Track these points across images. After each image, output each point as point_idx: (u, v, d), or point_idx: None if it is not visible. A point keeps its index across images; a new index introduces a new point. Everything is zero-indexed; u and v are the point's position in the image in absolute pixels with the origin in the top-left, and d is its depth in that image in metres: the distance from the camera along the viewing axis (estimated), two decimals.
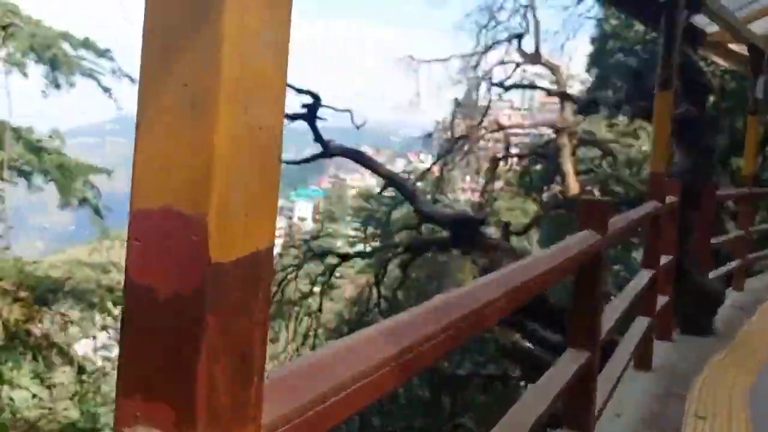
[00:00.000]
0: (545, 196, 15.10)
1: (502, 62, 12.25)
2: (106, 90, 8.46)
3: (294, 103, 6.59)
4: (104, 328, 8.22)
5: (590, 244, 2.63)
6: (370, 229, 17.07)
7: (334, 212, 48.38)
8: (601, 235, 2.71)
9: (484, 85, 12.19)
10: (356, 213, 30.56)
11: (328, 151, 6.23)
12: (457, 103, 12.19)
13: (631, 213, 3.90)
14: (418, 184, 12.61)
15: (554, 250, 2.58)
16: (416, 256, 8.20)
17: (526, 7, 12.08)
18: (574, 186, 11.75)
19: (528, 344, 6.33)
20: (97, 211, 9.42)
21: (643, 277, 4.57)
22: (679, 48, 4.87)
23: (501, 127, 11.87)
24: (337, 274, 11.00)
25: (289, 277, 8.85)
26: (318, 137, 6.03)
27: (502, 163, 13.55)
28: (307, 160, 6.48)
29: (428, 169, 12.69)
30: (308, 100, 6.36)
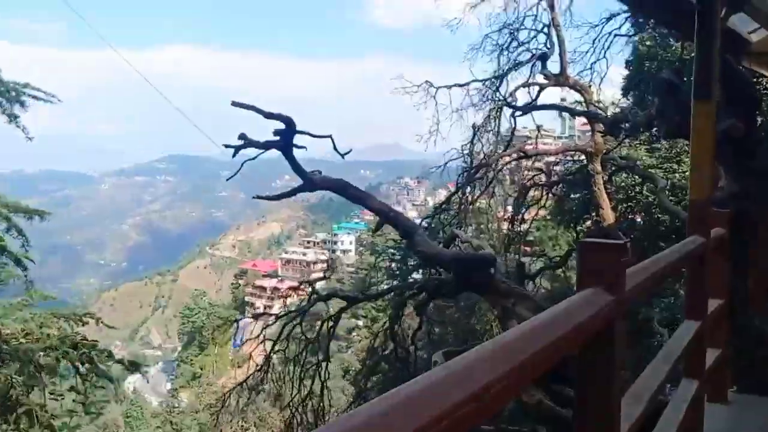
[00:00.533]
0: (584, 225, 14.12)
1: (525, 85, 11.48)
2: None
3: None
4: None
5: (596, 310, 1.81)
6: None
7: (377, 245, 47.49)
8: (612, 294, 1.88)
9: (506, 111, 11.46)
10: (395, 247, 29.89)
11: (309, 184, 5.53)
12: (477, 130, 11.41)
13: (662, 257, 2.98)
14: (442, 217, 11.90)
15: (545, 318, 1.76)
16: (432, 298, 7.43)
17: (549, 26, 11.34)
18: (609, 215, 10.80)
19: (554, 404, 5.44)
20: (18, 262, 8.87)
21: (688, 329, 3.68)
22: (719, 53, 4.02)
23: (525, 154, 11.02)
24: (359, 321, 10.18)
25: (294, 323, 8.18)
26: (296, 168, 5.33)
27: (536, 192, 12.69)
28: (284, 195, 5.75)
29: (447, 201, 11.88)
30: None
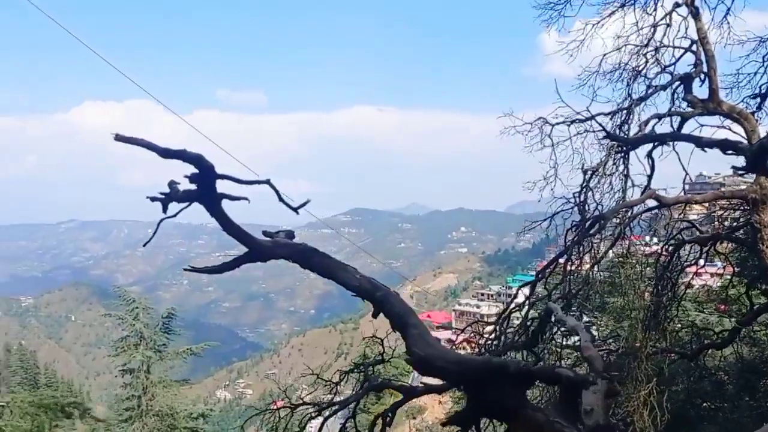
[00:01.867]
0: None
1: (658, 116, 8.84)
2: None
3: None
4: None
5: None
6: None
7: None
8: None
9: (640, 149, 8.86)
10: None
11: (257, 253, 3.99)
12: (592, 174, 8.93)
13: None
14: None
15: None
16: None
17: (695, 42, 8.70)
18: None
19: None
20: None
21: None
22: None
23: (661, 203, 8.29)
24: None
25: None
26: (229, 229, 3.71)
27: (688, 251, 9.84)
28: (221, 269, 3.98)
29: (551, 263, 9.32)
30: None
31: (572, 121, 9.29)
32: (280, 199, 3.93)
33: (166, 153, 3.55)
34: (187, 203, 3.78)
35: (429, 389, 7.11)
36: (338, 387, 7.86)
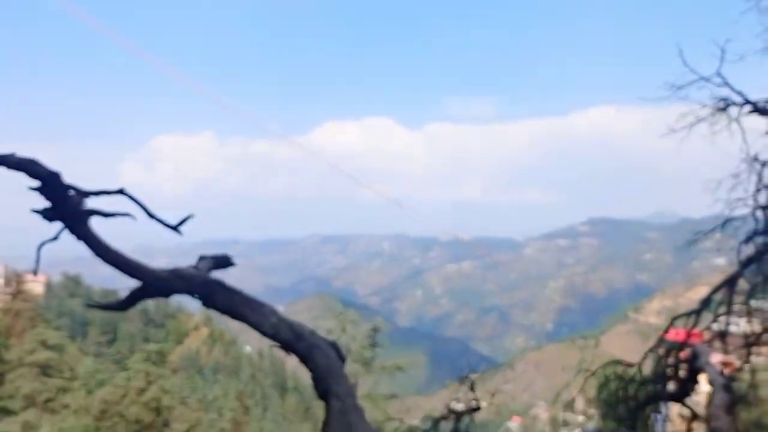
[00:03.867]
0: None
1: None
2: None
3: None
4: None
5: None
6: None
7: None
8: None
9: None
10: None
11: (150, 287, 2.96)
12: None
13: None
14: None
15: None
16: None
17: None
18: None
19: None
20: None
21: None
22: None
23: None
24: None
25: None
26: (101, 253, 2.78)
27: None
28: (120, 306, 3.00)
29: (720, 287, 6.52)
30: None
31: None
32: (150, 215, 2.96)
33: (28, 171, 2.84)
34: (63, 224, 3.02)
35: None
36: None
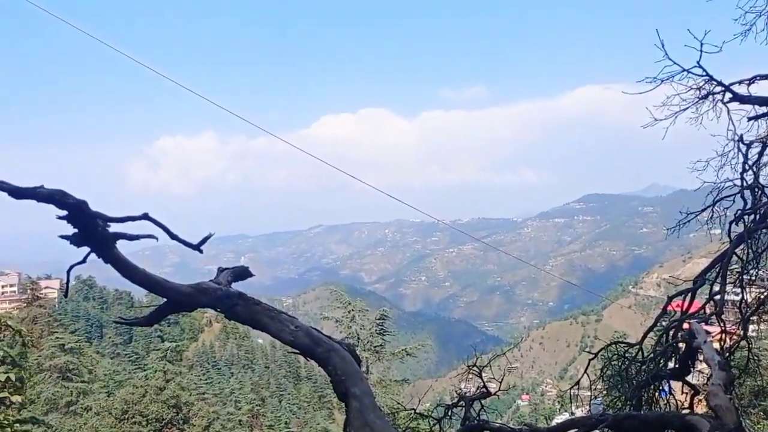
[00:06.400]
0: None
1: None
2: None
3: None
4: None
5: None
6: None
7: None
8: None
9: None
10: None
11: (175, 303, 3.11)
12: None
13: None
14: None
15: None
16: None
17: None
18: None
19: None
20: None
21: None
22: None
23: None
24: None
25: None
26: (129, 275, 2.90)
27: None
28: (148, 322, 3.16)
29: (708, 272, 6.64)
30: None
31: (754, 79, 6.80)
32: (172, 237, 3.13)
33: (17, 193, 2.99)
34: (89, 248, 3.19)
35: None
36: (441, 424, 6.85)
